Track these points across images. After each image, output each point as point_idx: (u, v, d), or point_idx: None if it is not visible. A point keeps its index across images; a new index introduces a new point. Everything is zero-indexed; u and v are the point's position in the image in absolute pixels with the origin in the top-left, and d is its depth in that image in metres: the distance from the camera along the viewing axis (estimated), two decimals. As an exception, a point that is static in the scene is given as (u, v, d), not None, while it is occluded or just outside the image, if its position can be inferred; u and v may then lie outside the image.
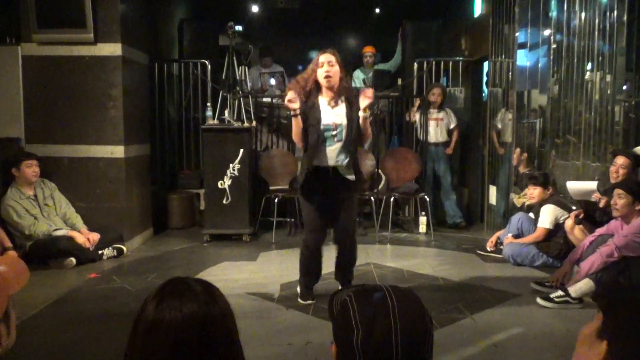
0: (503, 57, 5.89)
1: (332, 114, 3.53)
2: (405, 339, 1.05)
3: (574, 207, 4.65)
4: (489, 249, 5.13)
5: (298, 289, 3.88)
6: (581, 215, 4.33)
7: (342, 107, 3.55)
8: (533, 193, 4.86)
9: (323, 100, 3.55)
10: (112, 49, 5.05)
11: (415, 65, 6.85)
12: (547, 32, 5.44)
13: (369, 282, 4.20)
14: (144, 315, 1.08)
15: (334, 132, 3.52)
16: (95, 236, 4.83)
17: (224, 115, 5.79)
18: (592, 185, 4.55)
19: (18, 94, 5.15)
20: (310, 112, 3.53)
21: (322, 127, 3.51)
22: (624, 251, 3.58)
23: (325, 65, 3.47)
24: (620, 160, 4.27)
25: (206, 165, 5.70)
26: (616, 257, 3.59)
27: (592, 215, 4.30)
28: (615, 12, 4.87)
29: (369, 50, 7.63)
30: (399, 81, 7.42)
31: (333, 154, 3.54)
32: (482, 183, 6.63)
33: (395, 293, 1.10)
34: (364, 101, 3.43)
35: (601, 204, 4.26)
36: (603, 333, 1.06)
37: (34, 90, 5.14)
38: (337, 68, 3.49)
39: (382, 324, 1.05)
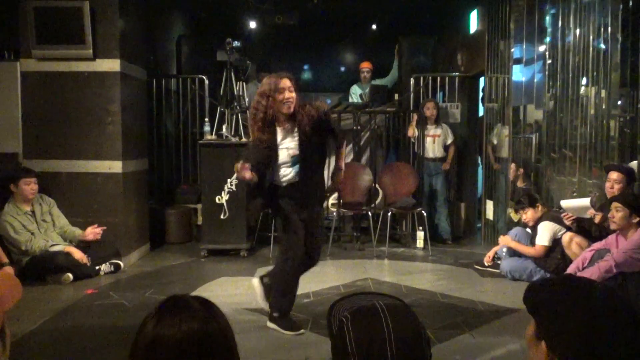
0: (499, 72, 5.94)
1: (291, 143, 3.42)
2: None
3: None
4: (486, 263, 5.14)
5: (277, 325, 3.46)
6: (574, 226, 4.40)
7: (296, 134, 3.42)
8: (527, 216, 4.86)
9: (280, 130, 3.43)
10: (111, 64, 5.08)
11: (412, 81, 6.90)
12: (542, 48, 5.49)
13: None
14: (143, 333, 1.09)
15: (294, 160, 3.43)
16: (98, 230, 4.93)
17: (222, 130, 5.81)
18: (585, 201, 4.56)
19: (16, 109, 5.17)
20: (272, 146, 3.40)
21: (287, 158, 3.42)
22: (621, 267, 3.59)
23: (286, 92, 3.31)
24: (614, 175, 4.26)
25: (204, 180, 5.71)
26: (614, 273, 3.60)
27: (588, 231, 4.32)
28: (610, 28, 4.92)
29: (365, 66, 7.69)
30: (396, 96, 7.47)
31: (292, 173, 3.46)
32: (479, 198, 6.65)
33: (392, 316, 1.11)
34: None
35: (596, 220, 4.28)
36: (538, 334, 1.10)
37: (32, 106, 5.16)
38: (294, 94, 3.34)
39: (378, 351, 1.06)
